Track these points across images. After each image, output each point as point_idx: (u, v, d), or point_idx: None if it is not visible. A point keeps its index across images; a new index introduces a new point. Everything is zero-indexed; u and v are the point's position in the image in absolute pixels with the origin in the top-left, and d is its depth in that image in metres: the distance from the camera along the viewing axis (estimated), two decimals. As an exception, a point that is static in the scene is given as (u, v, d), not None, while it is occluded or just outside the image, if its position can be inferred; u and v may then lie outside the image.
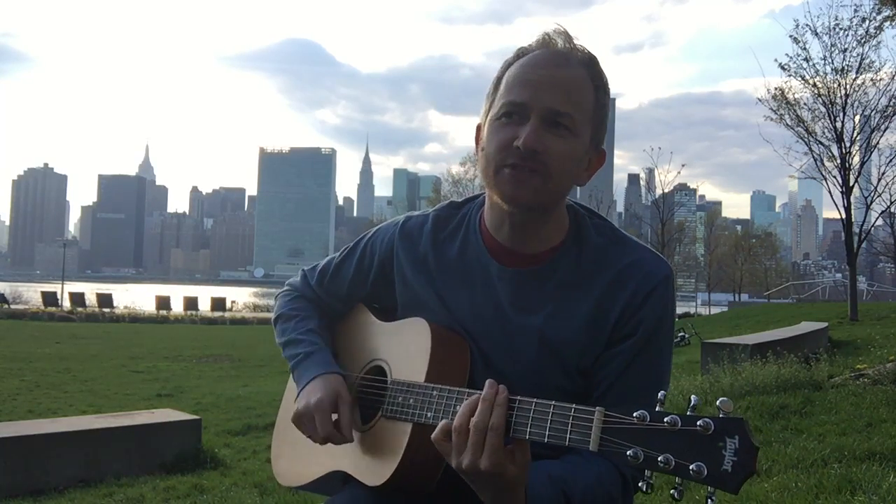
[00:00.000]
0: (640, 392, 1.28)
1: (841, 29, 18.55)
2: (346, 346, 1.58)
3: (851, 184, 19.52)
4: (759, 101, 20.19)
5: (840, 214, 19.77)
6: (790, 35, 19.23)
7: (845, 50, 18.57)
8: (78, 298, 34.82)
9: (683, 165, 40.40)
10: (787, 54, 19.41)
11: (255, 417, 8.24)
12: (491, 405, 1.11)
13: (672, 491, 0.98)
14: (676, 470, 0.95)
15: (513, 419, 1.11)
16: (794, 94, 19.71)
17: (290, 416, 1.64)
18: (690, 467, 0.94)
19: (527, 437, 1.09)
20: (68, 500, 4.73)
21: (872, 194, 20.43)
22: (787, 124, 19.88)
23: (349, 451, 1.42)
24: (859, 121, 19.52)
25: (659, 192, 38.45)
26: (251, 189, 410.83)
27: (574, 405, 1.06)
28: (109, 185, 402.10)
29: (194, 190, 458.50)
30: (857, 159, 19.85)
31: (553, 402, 1.08)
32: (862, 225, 21.55)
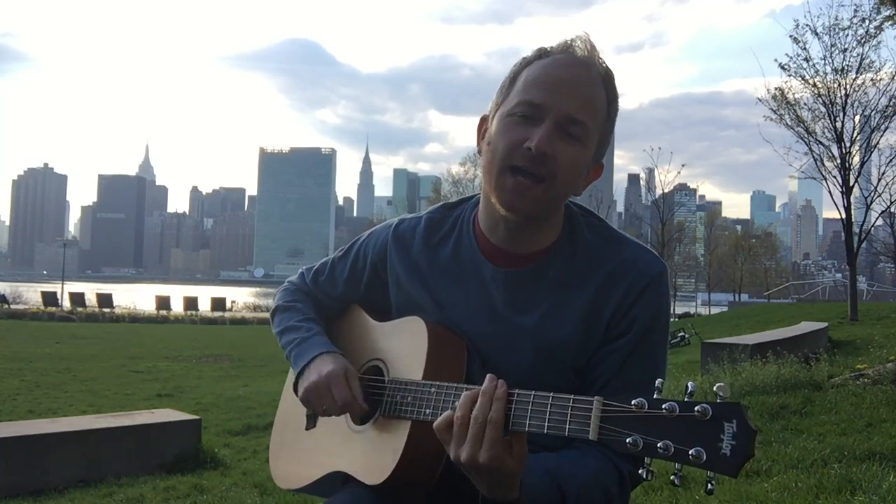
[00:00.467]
0: (636, 389, 1.28)
1: (841, 29, 18.62)
2: (343, 346, 1.58)
3: (851, 184, 19.55)
4: (759, 101, 20.26)
5: (840, 214, 19.80)
6: (790, 35, 19.29)
7: (845, 50, 18.63)
8: (78, 298, 34.83)
9: (683, 165, 40.50)
10: (787, 54, 19.49)
11: (255, 417, 8.26)
12: (490, 399, 1.12)
13: (672, 477, 0.99)
14: (676, 456, 0.96)
15: (512, 412, 1.11)
16: (794, 94, 19.79)
17: (289, 414, 1.65)
18: (690, 452, 0.95)
19: (526, 428, 1.10)
20: (68, 500, 4.74)
21: (872, 194, 20.48)
22: (787, 124, 19.96)
23: (348, 451, 1.42)
24: (859, 121, 19.56)
25: (659, 192, 38.58)
26: (251, 189, 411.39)
27: (573, 395, 1.07)
28: (109, 185, 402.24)
29: (194, 190, 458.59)
30: (857, 159, 19.91)
31: (551, 394, 1.09)
32: (862, 225, 21.60)
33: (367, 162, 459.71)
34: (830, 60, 18.85)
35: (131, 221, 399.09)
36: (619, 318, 1.31)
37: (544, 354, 1.33)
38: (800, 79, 19.35)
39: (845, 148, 19.25)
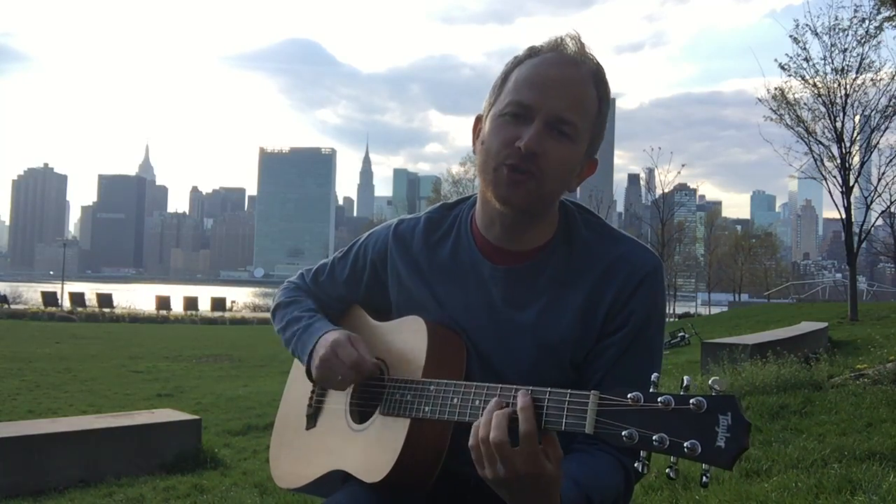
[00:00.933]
0: (632, 383, 1.28)
1: (841, 29, 18.61)
2: None
3: (851, 184, 19.55)
4: (760, 101, 20.26)
5: (840, 214, 19.80)
6: (790, 35, 19.29)
7: (845, 50, 18.63)
8: (78, 298, 34.83)
9: (683, 165, 40.56)
10: (787, 54, 19.50)
11: (255, 417, 8.25)
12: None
13: (667, 470, 1.00)
14: (671, 448, 0.96)
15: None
16: (794, 94, 19.79)
17: (290, 414, 1.65)
18: (685, 445, 0.95)
19: None
20: (68, 500, 4.74)
21: (872, 194, 20.48)
22: (788, 124, 19.96)
23: (348, 450, 1.43)
24: (859, 121, 19.56)
25: (659, 192, 38.60)
26: (251, 189, 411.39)
27: (569, 390, 1.08)
28: (109, 185, 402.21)
29: (194, 190, 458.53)
30: (857, 159, 19.91)
31: (549, 389, 1.10)
32: (862, 225, 21.59)
33: (367, 162, 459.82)
34: (830, 60, 18.87)
35: (131, 221, 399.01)
36: (615, 314, 1.33)
37: (543, 350, 1.35)
38: (800, 79, 19.39)
39: (845, 148, 19.25)
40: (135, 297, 44.67)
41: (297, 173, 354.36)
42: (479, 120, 1.39)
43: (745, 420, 0.94)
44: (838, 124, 19.06)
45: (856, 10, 18.20)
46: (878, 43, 18.38)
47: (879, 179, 20.19)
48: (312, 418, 1.56)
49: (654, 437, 0.97)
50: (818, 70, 19.12)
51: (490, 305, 1.39)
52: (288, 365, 1.72)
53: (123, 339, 21.12)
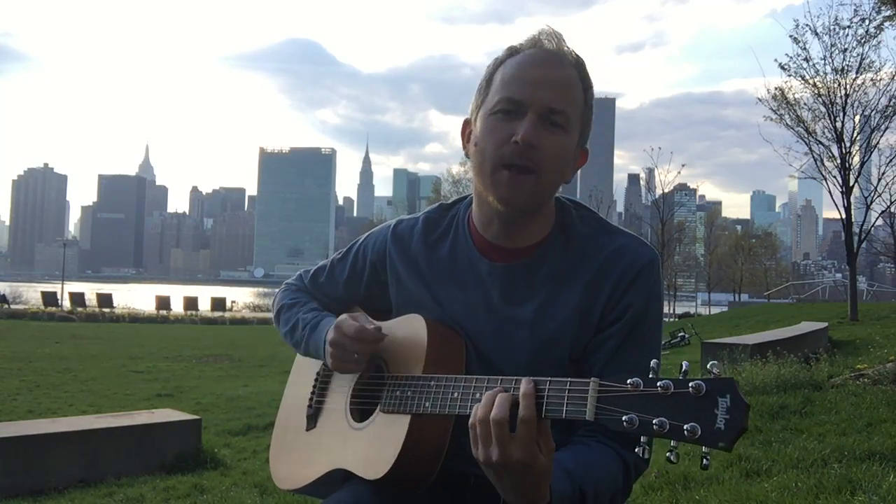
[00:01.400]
0: (631, 373, 1.28)
1: (841, 29, 18.58)
2: None
3: (851, 184, 19.52)
4: (760, 101, 20.25)
5: (840, 214, 19.78)
6: (790, 35, 19.27)
7: (845, 50, 18.59)
8: (78, 298, 34.83)
9: (683, 165, 40.54)
10: (787, 54, 19.47)
11: (255, 417, 8.25)
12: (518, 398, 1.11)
13: (668, 454, 1.00)
14: (671, 432, 0.97)
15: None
16: (794, 94, 19.77)
17: (290, 416, 1.65)
18: (685, 428, 0.95)
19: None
20: (68, 500, 4.74)
21: (872, 194, 20.45)
22: (788, 124, 19.93)
23: (349, 449, 1.43)
24: (859, 121, 19.53)
25: (659, 192, 38.55)
26: (251, 189, 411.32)
27: (570, 378, 1.09)
28: (109, 185, 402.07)
29: (194, 190, 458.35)
30: (857, 159, 19.87)
31: (549, 378, 1.10)
32: (862, 225, 21.57)
33: (367, 162, 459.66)
34: (830, 60, 18.84)
35: (131, 221, 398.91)
36: (612, 307, 1.34)
37: (542, 346, 1.36)
38: (800, 79, 19.35)
39: (845, 148, 19.23)
40: (135, 297, 44.69)
41: (297, 173, 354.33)
42: (467, 123, 1.40)
43: (744, 401, 0.94)
44: (838, 124, 19.05)
45: (856, 10, 18.19)
46: (879, 43, 18.36)
47: (879, 179, 20.17)
48: (312, 419, 1.56)
49: (654, 422, 0.98)
50: (818, 70, 19.11)
51: (488, 303, 1.40)
52: (288, 365, 1.73)
53: (123, 339, 21.12)
